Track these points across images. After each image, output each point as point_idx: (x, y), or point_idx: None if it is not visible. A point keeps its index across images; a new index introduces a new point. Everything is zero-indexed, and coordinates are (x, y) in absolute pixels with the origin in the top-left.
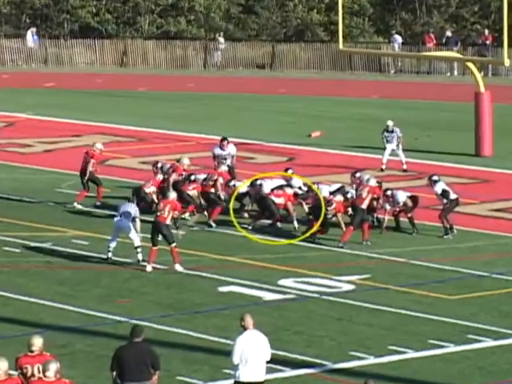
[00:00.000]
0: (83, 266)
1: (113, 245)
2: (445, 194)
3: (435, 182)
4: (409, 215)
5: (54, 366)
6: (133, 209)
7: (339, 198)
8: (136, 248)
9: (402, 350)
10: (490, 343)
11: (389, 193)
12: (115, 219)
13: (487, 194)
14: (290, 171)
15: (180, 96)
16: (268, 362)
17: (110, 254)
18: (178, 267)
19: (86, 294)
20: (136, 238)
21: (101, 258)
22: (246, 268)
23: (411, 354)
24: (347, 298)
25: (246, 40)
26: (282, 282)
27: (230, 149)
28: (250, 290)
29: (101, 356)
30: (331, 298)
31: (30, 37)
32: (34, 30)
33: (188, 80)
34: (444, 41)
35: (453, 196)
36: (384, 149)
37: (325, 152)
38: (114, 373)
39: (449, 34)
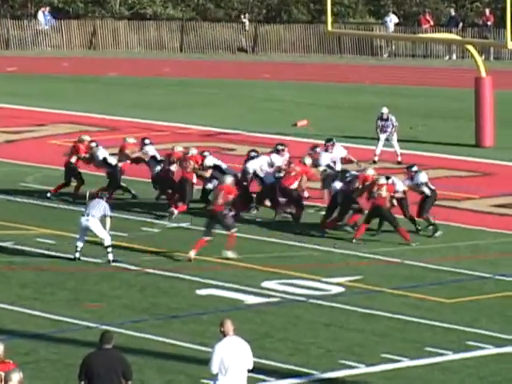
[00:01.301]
0: (49, 267)
1: (81, 244)
2: (428, 185)
3: (416, 172)
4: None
5: (16, 376)
6: (102, 206)
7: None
8: (106, 247)
9: (397, 358)
10: (491, 351)
11: (390, 181)
12: (82, 218)
13: (488, 188)
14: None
15: (154, 81)
16: (250, 371)
17: (77, 255)
18: (230, 254)
19: (52, 297)
20: (107, 236)
21: (68, 259)
22: (227, 269)
23: (406, 363)
24: (337, 301)
25: (227, 21)
26: (265, 284)
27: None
28: (231, 293)
29: (68, 365)
30: (319, 302)
31: (42, 17)
32: (46, 9)
33: (163, 64)
34: (447, 21)
35: (432, 187)
36: (377, 139)
37: (312, 142)
38: (82, 382)
39: (452, 13)
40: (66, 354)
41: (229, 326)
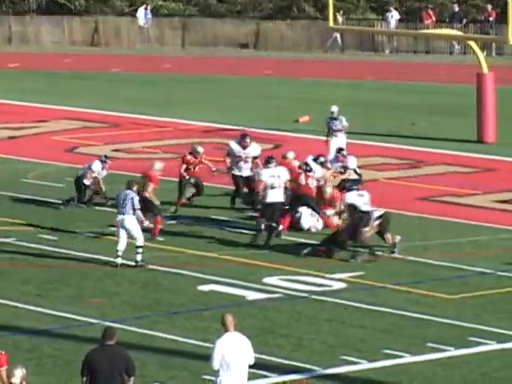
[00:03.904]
0: (51, 264)
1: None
2: (356, 171)
3: (346, 156)
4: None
5: (19, 372)
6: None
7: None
8: (137, 248)
9: (399, 353)
10: (494, 346)
11: (309, 167)
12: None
13: (491, 184)
14: (273, 162)
15: (156, 77)
16: (251, 367)
17: (119, 260)
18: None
19: (55, 293)
20: (140, 236)
21: (69, 258)
22: (228, 265)
23: (409, 359)
24: (339, 297)
25: (229, 17)
26: (267, 280)
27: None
28: (233, 289)
29: (70, 361)
30: (321, 298)
31: (142, 14)
32: (145, 6)
33: (165, 60)
34: (450, 16)
35: (360, 173)
36: (328, 138)
37: (314, 139)
38: (85, 378)
39: (456, 8)
40: (68, 350)
41: (230, 320)
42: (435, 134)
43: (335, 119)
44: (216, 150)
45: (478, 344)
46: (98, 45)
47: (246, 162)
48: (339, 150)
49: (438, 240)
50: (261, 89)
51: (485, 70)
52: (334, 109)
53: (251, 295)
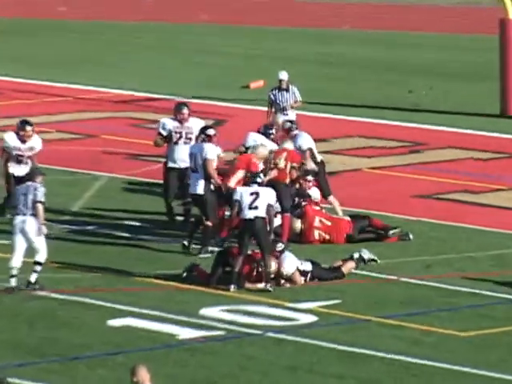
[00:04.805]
0: None
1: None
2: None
3: (297, 135)
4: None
5: None
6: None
7: None
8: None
9: None
10: None
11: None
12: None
13: None
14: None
15: (47, 26)
16: None
17: (13, 281)
18: None
19: None
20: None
21: None
22: (151, 290)
23: None
24: (305, 335)
25: None
26: (204, 311)
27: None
28: (157, 324)
29: None
30: (281, 336)
31: None
32: None
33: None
34: None
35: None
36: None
37: (270, 111)
38: None
39: None
40: None
41: (143, 375)
42: (441, 105)
43: (285, 90)
44: (137, 129)
45: None
46: None
47: (186, 141)
48: (287, 125)
49: (445, 254)
50: (195, 41)
51: (510, 14)
52: (283, 76)
53: (182, 333)
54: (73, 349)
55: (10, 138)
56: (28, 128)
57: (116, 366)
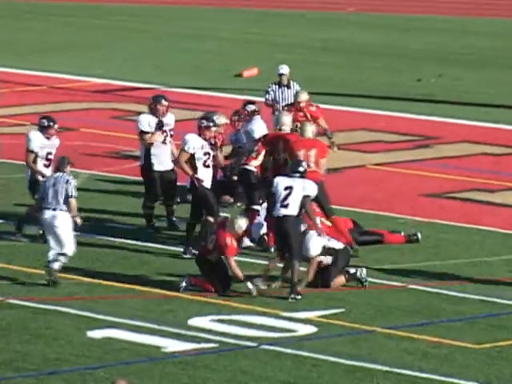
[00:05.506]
0: None
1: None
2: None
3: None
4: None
5: None
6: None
7: None
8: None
9: None
10: None
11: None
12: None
13: None
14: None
15: (12, 6)
16: None
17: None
18: None
19: None
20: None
21: None
22: (134, 297)
23: None
24: (304, 348)
25: None
26: (193, 321)
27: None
28: (141, 336)
29: None
30: (277, 349)
31: None
32: None
33: None
34: None
35: None
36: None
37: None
38: None
39: None
40: None
41: None
42: (454, 94)
43: (285, 87)
44: (119, 122)
45: None
46: None
47: (164, 141)
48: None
49: (457, 258)
50: (182, 24)
51: None
52: (284, 70)
53: (170, 345)
54: (48, 362)
55: (37, 137)
56: (56, 126)
57: (97, 381)
